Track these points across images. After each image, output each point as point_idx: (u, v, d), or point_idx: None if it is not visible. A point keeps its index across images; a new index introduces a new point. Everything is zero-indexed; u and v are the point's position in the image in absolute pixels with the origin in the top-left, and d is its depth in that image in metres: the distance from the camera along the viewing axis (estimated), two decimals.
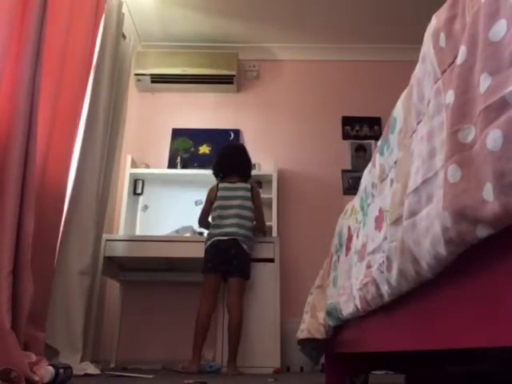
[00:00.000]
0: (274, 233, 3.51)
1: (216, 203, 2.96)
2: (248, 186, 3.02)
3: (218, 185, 3.04)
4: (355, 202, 1.37)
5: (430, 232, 0.60)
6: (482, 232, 0.49)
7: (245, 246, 2.84)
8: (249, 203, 2.96)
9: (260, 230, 3.10)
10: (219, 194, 2.98)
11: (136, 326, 3.41)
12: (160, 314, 3.45)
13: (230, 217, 2.88)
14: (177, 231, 3.36)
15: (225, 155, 3.16)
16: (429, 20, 0.74)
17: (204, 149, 3.95)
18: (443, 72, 0.66)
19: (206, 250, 2.86)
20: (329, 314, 1.47)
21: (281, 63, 4.30)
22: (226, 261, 2.79)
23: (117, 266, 3.29)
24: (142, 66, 4.00)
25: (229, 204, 2.93)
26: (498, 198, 0.45)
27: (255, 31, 4.09)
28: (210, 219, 3.03)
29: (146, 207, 3.79)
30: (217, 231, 2.87)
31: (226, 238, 2.83)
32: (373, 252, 0.96)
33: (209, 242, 2.87)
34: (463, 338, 0.58)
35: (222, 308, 2.90)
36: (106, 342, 3.22)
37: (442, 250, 0.57)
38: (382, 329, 1.00)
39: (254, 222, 3.02)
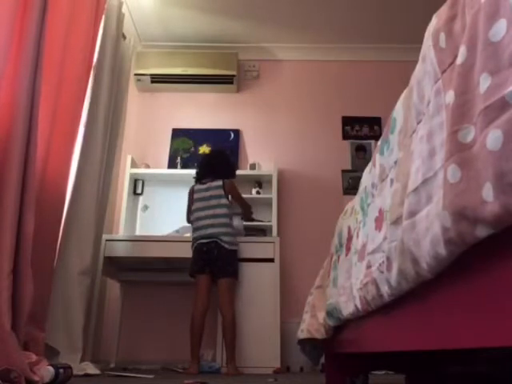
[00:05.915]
0: (274, 233, 3.51)
1: (193, 206, 2.99)
2: (219, 182, 2.99)
3: (193, 187, 3.07)
4: (355, 202, 1.36)
5: (429, 232, 0.60)
6: (482, 232, 0.49)
7: (226, 245, 2.85)
8: (223, 200, 2.96)
9: (247, 217, 3.19)
10: (195, 196, 3.01)
11: (136, 326, 3.41)
12: (160, 314, 3.45)
13: (207, 218, 2.90)
14: (177, 231, 3.36)
15: (202, 160, 3.24)
16: (429, 20, 0.74)
17: (204, 149, 3.95)
18: (443, 72, 0.66)
19: (193, 254, 2.91)
20: (329, 314, 1.47)
21: (281, 63, 4.30)
22: (211, 262, 2.82)
23: (117, 266, 3.29)
24: (142, 66, 4.00)
25: (205, 205, 2.95)
26: (498, 197, 0.45)
27: (255, 31, 4.09)
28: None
29: (145, 207, 3.79)
30: (197, 234, 2.90)
31: (206, 240, 2.85)
32: (373, 252, 0.96)
33: (193, 247, 2.91)
34: (463, 338, 0.58)
35: (218, 308, 2.90)
36: (106, 342, 3.22)
37: (442, 250, 0.57)
38: (382, 329, 1.00)
39: (233, 217, 3.03)
